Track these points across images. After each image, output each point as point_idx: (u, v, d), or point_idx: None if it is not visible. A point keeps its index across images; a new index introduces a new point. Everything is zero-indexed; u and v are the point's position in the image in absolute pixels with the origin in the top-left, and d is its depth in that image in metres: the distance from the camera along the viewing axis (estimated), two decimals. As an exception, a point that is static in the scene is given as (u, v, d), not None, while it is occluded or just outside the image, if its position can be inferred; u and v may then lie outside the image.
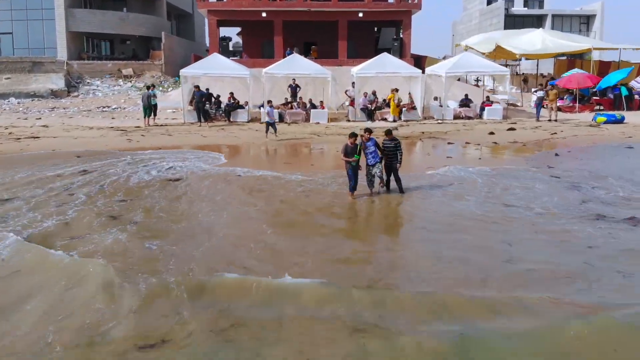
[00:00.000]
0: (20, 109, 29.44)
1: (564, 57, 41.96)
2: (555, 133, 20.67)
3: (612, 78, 27.60)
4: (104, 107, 30.26)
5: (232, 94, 24.11)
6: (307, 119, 24.07)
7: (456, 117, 24.55)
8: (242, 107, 24.07)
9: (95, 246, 8.26)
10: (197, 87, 23.02)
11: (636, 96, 27.51)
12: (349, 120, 24.45)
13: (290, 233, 9.21)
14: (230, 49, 48.78)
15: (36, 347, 5.44)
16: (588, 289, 6.77)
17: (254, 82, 24.28)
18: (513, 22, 57.04)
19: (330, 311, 6.06)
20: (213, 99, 24.84)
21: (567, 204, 10.68)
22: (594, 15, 59.34)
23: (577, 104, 26.86)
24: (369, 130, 11.35)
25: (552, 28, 52.06)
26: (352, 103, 24.73)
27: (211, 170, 14.29)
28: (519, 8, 59.27)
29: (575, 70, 32.05)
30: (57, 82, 35.54)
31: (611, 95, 27.46)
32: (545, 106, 24.47)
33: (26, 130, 21.48)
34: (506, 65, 34.68)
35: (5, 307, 6.30)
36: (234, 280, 6.84)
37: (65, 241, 8.50)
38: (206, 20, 35.27)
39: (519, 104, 29.75)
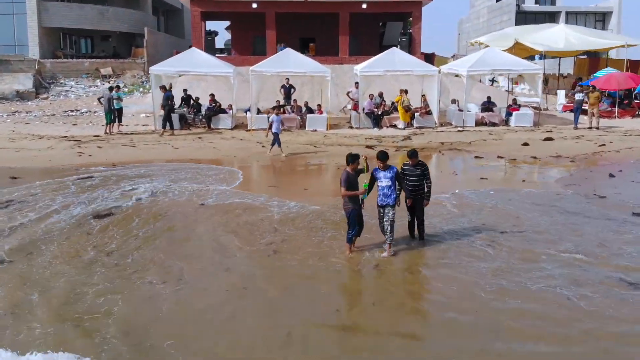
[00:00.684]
0: (-25, 113, 25.72)
1: (584, 56, 38.51)
2: (604, 145, 16.93)
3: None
4: (71, 111, 26.62)
5: (212, 96, 20.38)
6: (303, 126, 20.33)
7: (478, 123, 20.83)
8: (225, 111, 20.32)
9: None
10: (163, 87, 19.29)
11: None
12: (351, 127, 20.73)
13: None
14: (223, 46, 45.19)
15: None
16: None
17: (242, 83, 20.53)
18: (524, 19, 54.13)
19: None
20: (192, 102, 21.10)
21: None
22: (611, 12, 56.34)
23: (616, 108, 23.14)
24: (383, 156, 7.59)
25: (567, 25, 48.93)
26: (355, 107, 21.01)
27: (162, 201, 10.56)
28: (530, 4, 56.02)
29: (607, 70, 28.38)
30: (24, 82, 31.83)
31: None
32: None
33: (-38, 140, 17.76)
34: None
35: None
36: None
37: None
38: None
39: (543, 107, 26.00)
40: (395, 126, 20.65)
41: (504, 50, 30.31)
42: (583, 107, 20.57)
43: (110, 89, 19.98)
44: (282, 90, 22.55)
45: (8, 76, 32.20)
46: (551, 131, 19.51)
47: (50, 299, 6.27)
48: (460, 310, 5.99)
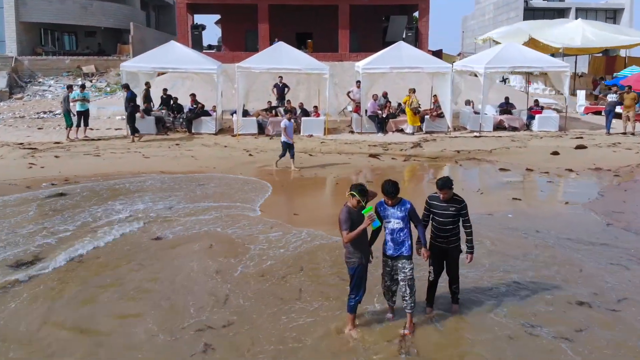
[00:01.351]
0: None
1: (599, 54, 36.19)
2: (648, 153, 14.51)
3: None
4: (44, 113, 24.18)
5: (193, 96, 17.90)
6: (297, 130, 17.82)
7: (496, 127, 18.36)
8: (208, 113, 17.85)
9: None
10: (126, 86, 16.80)
11: None
12: (352, 132, 18.26)
13: None
14: (216, 43, 42.64)
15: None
16: None
17: (230, 82, 18.02)
18: (532, 16, 52.23)
19: None
20: (172, 103, 18.63)
21: None
22: (622, 9, 54.39)
23: (647, 111, 20.62)
24: (392, 189, 5.16)
25: (577, 23, 47.01)
26: (356, 109, 18.52)
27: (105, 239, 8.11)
28: (539, 0, 53.84)
29: (632, 69, 25.95)
30: (-2, 81, 29.39)
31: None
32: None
33: None
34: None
35: None
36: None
37: None
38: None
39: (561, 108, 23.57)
40: (402, 131, 18.18)
41: (518, 47, 27.97)
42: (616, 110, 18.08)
43: (69, 87, 17.55)
44: (275, 89, 20.08)
45: (-20, 74, 29.78)
46: (581, 137, 17.04)
47: None
48: None
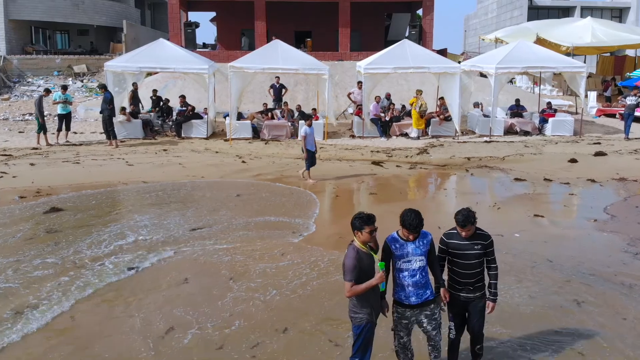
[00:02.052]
0: None
1: (607, 54, 35.15)
2: (675, 161, 13.36)
3: None
4: (29, 114, 23.04)
5: (183, 97, 16.77)
6: (294, 134, 16.71)
7: (507, 131, 17.23)
8: (199, 116, 16.70)
9: None
10: (103, 86, 15.68)
11: None
12: (353, 136, 17.12)
13: None
14: (214, 42, 41.46)
15: None
16: None
17: (225, 82, 16.80)
18: (536, 14, 51.35)
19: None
20: (162, 105, 17.51)
21: None
22: (628, 8, 53.49)
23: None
24: (415, 221, 4.02)
25: (582, 22, 46.15)
26: (358, 111, 17.38)
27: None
28: (543, -1, 52.93)
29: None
30: (-16, 81, 28.31)
31: None
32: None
33: None
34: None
35: None
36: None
37: None
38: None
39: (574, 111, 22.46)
40: (406, 135, 17.04)
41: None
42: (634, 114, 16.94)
43: (47, 90, 16.46)
44: (272, 90, 18.96)
45: (-34, 74, 28.69)
46: (599, 143, 15.90)
47: None
48: None
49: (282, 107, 17.87)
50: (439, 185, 12.22)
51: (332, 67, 17.64)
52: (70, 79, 30.95)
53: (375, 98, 17.17)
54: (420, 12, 28.53)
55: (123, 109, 16.33)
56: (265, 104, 18.03)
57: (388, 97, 18.42)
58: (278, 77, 18.63)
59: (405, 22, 28.79)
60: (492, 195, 10.95)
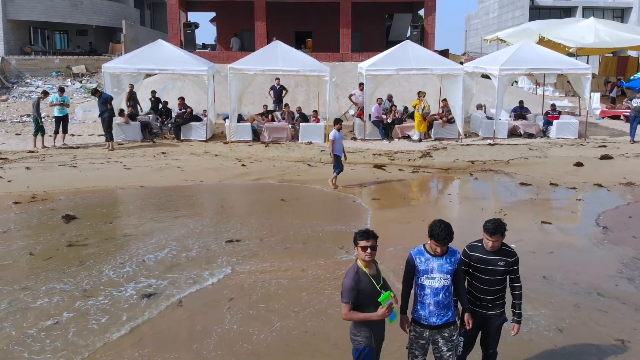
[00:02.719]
0: None
1: (610, 54, 34.95)
2: (683, 165, 13.12)
3: None
4: (27, 116, 22.80)
5: (182, 99, 16.52)
6: (294, 137, 16.48)
7: (510, 133, 16.99)
8: (198, 118, 16.47)
9: None
10: (96, 91, 15.47)
11: None
12: (355, 139, 16.87)
13: None
14: (214, 42, 41.20)
15: None
16: None
17: (225, 84, 16.53)
18: (538, 14, 51.22)
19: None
20: (160, 107, 17.27)
21: None
22: (630, 8, 53.34)
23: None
24: (446, 233, 3.76)
25: (584, 22, 46.01)
26: (359, 113, 17.15)
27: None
28: (545, -1, 52.77)
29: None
30: (-18, 82, 28.10)
31: None
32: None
33: None
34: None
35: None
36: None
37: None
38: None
39: (577, 113, 22.25)
40: (408, 137, 16.80)
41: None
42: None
43: (45, 92, 16.21)
44: (272, 92, 18.72)
45: (-37, 75, 28.49)
46: (605, 146, 15.66)
47: None
48: None
49: (283, 108, 17.64)
50: (441, 190, 12.00)
51: (332, 68, 17.41)
52: (69, 79, 30.75)
53: (377, 100, 16.94)
54: (421, 12, 28.27)
55: (122, 111, 16.09)
56: (265, 106, 17.79)
57: (390, 98, 18.19)
58: (278, 79, 18.40)
59: (407, 23, 28.54)
60: (498, 201, 10.72)
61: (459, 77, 15.89)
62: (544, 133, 17.11)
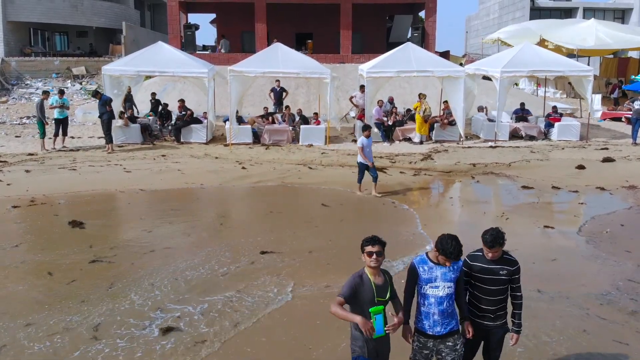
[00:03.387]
0: None
1: (611, 56, 34.92)
2: (685, 168, 13.06)
3: None
4: (27, 118, 22.79)
5: (182, 102, 16.47)
6: (295, 139, 16.43)
7: (512, 135, 16.93)
8: (198, 120, 16.42)
9: None
10: (96, 93, 15.38)
11: None
12: (355, 141, 16.78)
13: None
14: (214, 43, 41.19)
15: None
16: None
17: (226, 85, 16.46)
18: (539, 15, 51.20)
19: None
20: (160, 109, 17.22)
21: None
22: (631, 9, 53.32)
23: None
24: (456, 248, 3.71)
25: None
26: (360, 115, 17.10)
27: None
28: (545, 0, 52.70)
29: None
30: (-19, 83, 28.08)
31: None
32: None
33: None
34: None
35: None
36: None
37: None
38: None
39: (578, 114, 22.20)
40: (409, 139, 16.75)
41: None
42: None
43: (45, 93, 16.12)
44: (273, 94, 18.67)
45: (-37, 77, 28.47)
46: (606, 148, 15.61)
47: None
48: None
49: (283, 111, 17.59)
50: (443, 193, 11.93)
51: (333, 69, 17.36)
52: (69, 81, 30.74)
53: (378, 102, 16.89)
54: (422, 13, 28.24)
55: (122, 113, 16.04)
56: (265, 108, 17.74)
57: (391, 100, 18.14)
58: (279, 81, 18.35)
59: (407, 24, 28.51)
60: (500, 204, 10.66)
61: (460, 79, 15.83)
62: (546, 135, 17.06)
